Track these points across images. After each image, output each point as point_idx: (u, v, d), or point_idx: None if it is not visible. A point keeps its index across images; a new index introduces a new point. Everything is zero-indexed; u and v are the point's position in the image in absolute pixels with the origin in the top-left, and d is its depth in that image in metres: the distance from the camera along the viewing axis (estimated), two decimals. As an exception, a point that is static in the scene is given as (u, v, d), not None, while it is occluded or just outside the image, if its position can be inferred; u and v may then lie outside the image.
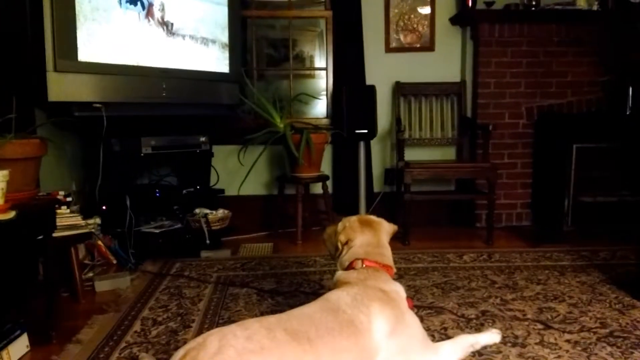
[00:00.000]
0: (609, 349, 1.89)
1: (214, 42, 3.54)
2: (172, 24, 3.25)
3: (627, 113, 3.83)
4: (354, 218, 1.90)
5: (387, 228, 1.92)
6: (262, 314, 2.26)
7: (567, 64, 3.98)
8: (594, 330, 2.05)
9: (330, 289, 1.69)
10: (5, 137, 2.02)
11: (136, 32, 3.05)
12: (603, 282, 2.64)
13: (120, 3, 2.95)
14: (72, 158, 3.27)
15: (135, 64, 3.06)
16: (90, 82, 2.85)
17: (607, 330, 2.05)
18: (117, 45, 2.95)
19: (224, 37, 3.60)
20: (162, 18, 3.19)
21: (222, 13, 3.57)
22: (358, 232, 1.83)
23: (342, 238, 1.84)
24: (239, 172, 3.88)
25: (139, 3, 3.04)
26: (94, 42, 2.83)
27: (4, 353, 1.83)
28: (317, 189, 3.94)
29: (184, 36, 3.33)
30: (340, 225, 1.89)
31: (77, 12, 2.73)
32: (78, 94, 2.80)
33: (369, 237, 1.83)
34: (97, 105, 2.86)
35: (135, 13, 3.03)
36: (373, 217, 1.94)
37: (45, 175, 2.73)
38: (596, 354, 1.84)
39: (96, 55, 2.85)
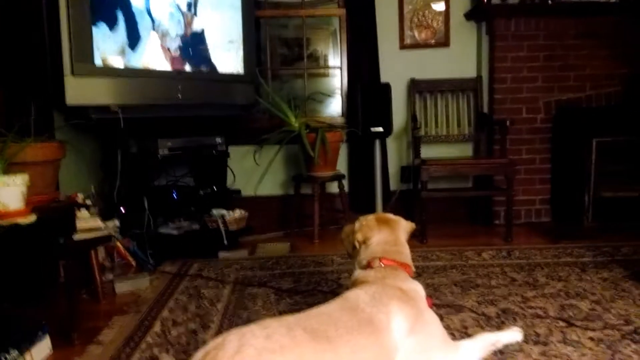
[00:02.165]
0: (633, 346, 1.86)
1: (228, 43, 3.55)
2: (187, 26, 3.26)
3: (647, 105, 3.77)
4: (371, 217, 1.89)
5: (404, 226, 1.90)
6: (281, 313, 2.26)
7: (585, 57, 3.92)
8: (618, 327, 2.02)
9: (348, 288, 1.68)
10: (25, 140, 2.05)
11: (151, 36, 3.07)
12: (625, 278, 2.59)
13: (138, 12, 2.97)
14: (91, 161, 3.31)
15: (150, 66, 3.08)
16: (107, 85, 2.88)
17: (631, 327, 2.01)
18: (134, 49, 2.98)
19: (238, 38, 3.61)
20: (177, 22, 3.21)
21: (236, 14, 3.58)
22: (375, 230, 1.82)
23: (359, 237, 1.83)
24: (255, 172, 3.89)
25: (155, 12, 3.06)
26: (110, 46, 2.86)
27: (27, 355, 1.85)
28: (333, 187, 3.94)
29: (198, 38, 3.34)
30: (357, 224, 1.88)
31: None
32: (95, 97, 2.83)
33: (386, 235, 1.82)
34: (114, 108, 2.88)
35: (150, 22, 3.05)
36: (390, 216, 1.92)
37: (65, 178, 2.77)
38: (620, 352, 1.81)
39: (113, 59, 2.88)
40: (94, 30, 2.77)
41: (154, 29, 3.09)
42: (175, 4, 3.20)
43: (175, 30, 3.21)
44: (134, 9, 2.97)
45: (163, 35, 3.15)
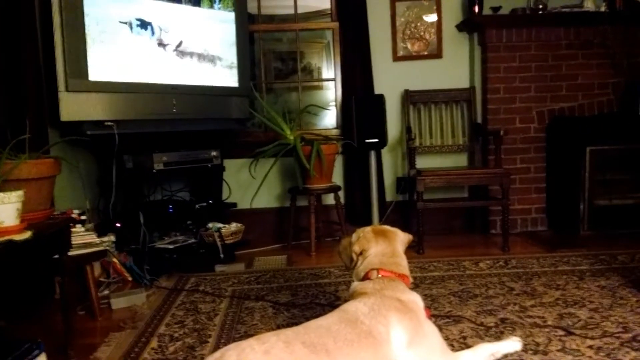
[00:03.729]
0: (633, 353, 1.85)
1: (222, 57, 3.56)
2: (181, 42, 3.27)
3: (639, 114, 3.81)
4: (368, 229, 1.89)
5: (402, 237, 1.90)
6: (279, 327, 2.24)
7: (577, 67, 3.95)
8: (617, 335, 2.02)
9: (346, 300, 1.68)
10: (20, 157, 2.04)
11: (145, 52, 3.08)
12: (623, 285, 2.59)
13: (132, 28, 2.99)
14: (86, 176, 3.30)
15: (145, 81, 3.08)
16: (102, 100, 2.88)
17: (630, 335, 2.01)
18: (127, 64, 2.99)
19: (232, 52, 3.62)
20: (171, 38, 3.22)
21: (229, 29, 3.60)
22: (372, 242, 1.82)
23: (356, 249, 1.83)
24: (250, 185, 3.89)
25: (149, 27, 3.08)
26: (104, 61, 2.87)
27: (23, 373, 1.82)
28: (330, 199, 3.94)
29: (192, 53, 3.35)
30: (354, 237, 1.88)
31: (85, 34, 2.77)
32: (90, 112, 2.84)
33: (383, 247, 1.82)
34: (109, 123, 2.89)
35: (145, 37, 3.06)
36: (387, 227, 1.92)
37: (60, 194, 2.76)
38: (620, 360, 1.81)
39: (107, 74, 2.89)
40: (89, 45, 2.78)
41: (148, 43, 3.10)
42: (169, 18, 3.21)
43: (169, 44, 3.22)
44: (128, 23, 2.98)
45: (158, 49, 3.15)
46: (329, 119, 4.44)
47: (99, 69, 2.85)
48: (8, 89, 2.59)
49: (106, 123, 2.89)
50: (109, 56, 2.90)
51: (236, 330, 2.26)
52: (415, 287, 2.64)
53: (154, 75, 3.14)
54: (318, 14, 4.43)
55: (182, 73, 3.29)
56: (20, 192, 1.85)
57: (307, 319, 1.59)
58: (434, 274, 2.95)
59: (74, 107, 2.75)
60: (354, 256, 1.82)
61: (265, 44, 4.41)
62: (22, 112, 2.55)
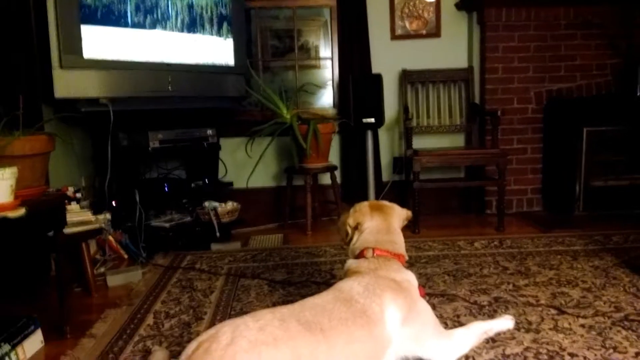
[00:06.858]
0: (624, 332, 1.87)
1: (218, 34, 3.52)
2: (176, 18, 3.23)
3: (638, 95, 3.79)
4: (365, 203, 1.89)
5: (399, 213, 1.89)
6: (274, 304, 2.26)
7: (576, 47, 3.93)
8: (609, 314, 2.03)
9: (341, 278, 1.68)
10: (13, 134, 2.02)
11: (141, 29, 3.04)
12: (616, 266, 2.61)
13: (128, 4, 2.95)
14: (81, 154, 3.28)
15: (140, 58, 3.05)
16: (96, 77, 2.85)
17: (622, 314, 2.03)
18: (122, 41, 2.95)
19: (229, 30, 3.58)
20: (166, 13, 3.18)
21: (226, 5, 3.55)
22: (367, 216, 1.82)
23: (350, 222, 1.83)
24: (247, 164, 3.88)
25: (144, 4, 3.04)
26: (99, 38, 2.83)
27: (19, 349, 1.84)
28: (326, 179, 3.93)
29: (187, 29, 3.31)
30: (351, 211, 1.88)
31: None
32: (84, 89, 2.81)
33: (378, 222, 1.81)
34: (104, 100, 2.86)
35: (140, 14, 3.02)
36: (385, 202, 1.91)
37: (55, 172, 2.75)
38: (611, 338, 1.83)
39: (101, 51, 2.85)
40: (83, 21, 2.74)
41: (143, 20, 3.06)
42: (164, -5, 3.17)
43: (165, 20, 3.18)
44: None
45: (153, 26, 3.11)
46: (325, 98, 4.41)
47: (93, 45, 2.81)
48: (1, 65, 2.55)
49: (101, 100, 2.86)
50: (105, 33, 2.86)
51: (232, 307, 2.27)
52: (410, 266, 2.65)
53: (149, 53, 3.10)
54: (316, -9, 4.36)
55: (178, 50, 3.26)
56: (14, 169, 1.84)
57: (303, 296, 1.60)
58: (429, 253, 2.96)
59: (68, 84, 2.72)
60: (349, 230, 1.82)
61: (262, 21, 4.35)
62: (15, 89, 2.52)
